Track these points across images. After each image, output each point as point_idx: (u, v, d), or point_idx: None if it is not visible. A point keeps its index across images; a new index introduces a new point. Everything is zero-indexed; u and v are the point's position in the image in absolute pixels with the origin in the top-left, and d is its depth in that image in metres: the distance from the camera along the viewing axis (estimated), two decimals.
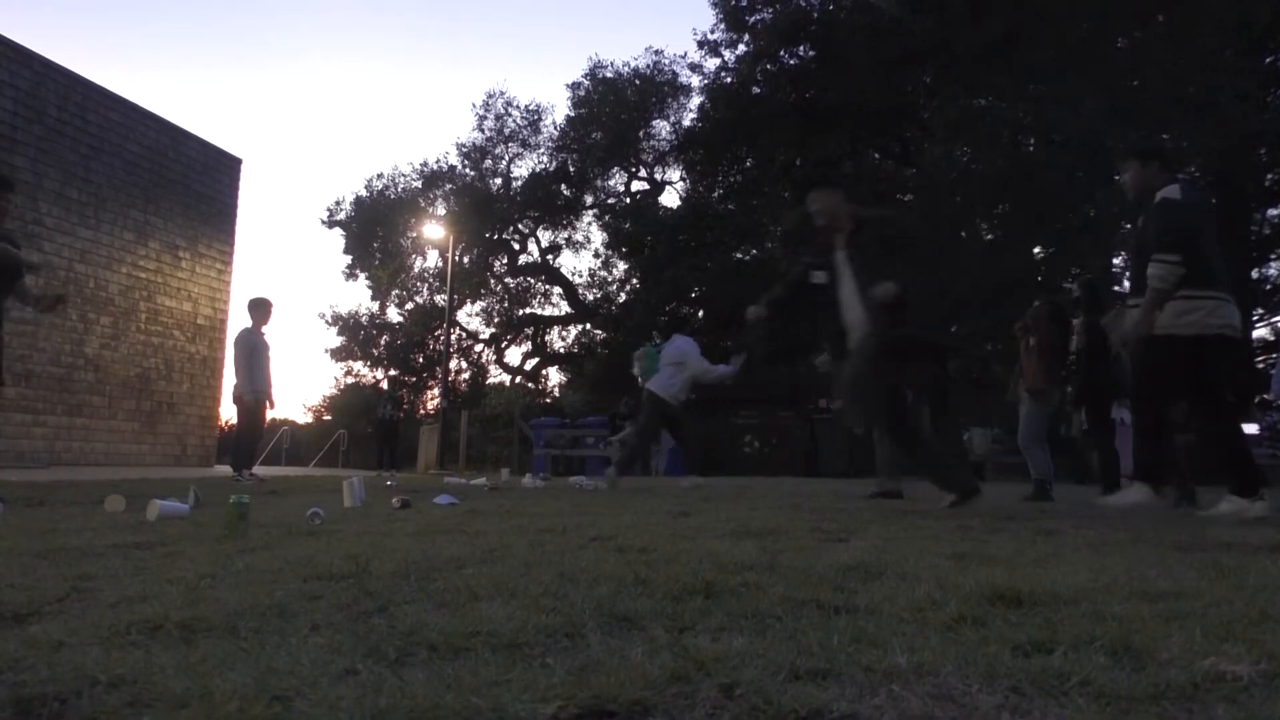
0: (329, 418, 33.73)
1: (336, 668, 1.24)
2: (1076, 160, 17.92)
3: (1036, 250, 20.15)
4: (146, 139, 15.89)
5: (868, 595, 1.77)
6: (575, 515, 4.45)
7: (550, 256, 30.23)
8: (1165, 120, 17.52)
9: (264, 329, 9.89)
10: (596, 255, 30.17)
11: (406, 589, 1.95)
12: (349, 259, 29.16)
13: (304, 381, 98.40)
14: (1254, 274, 19.48)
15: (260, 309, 9.92)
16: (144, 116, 15.93)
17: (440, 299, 27.44)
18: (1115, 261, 19.62)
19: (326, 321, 31.18)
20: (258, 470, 10.34)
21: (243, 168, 18.31)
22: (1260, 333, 20.25)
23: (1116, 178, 18.81)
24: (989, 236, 20.34)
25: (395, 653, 1.33)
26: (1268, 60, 19.14)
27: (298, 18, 65.05)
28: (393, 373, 29.17)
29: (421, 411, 29.78)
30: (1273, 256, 20.03)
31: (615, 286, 29.92)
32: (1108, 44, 18.01)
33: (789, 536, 3.29)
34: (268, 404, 9.88)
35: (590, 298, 30.04)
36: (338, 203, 29.54)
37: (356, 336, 31.00)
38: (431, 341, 29.70)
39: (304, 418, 39.21)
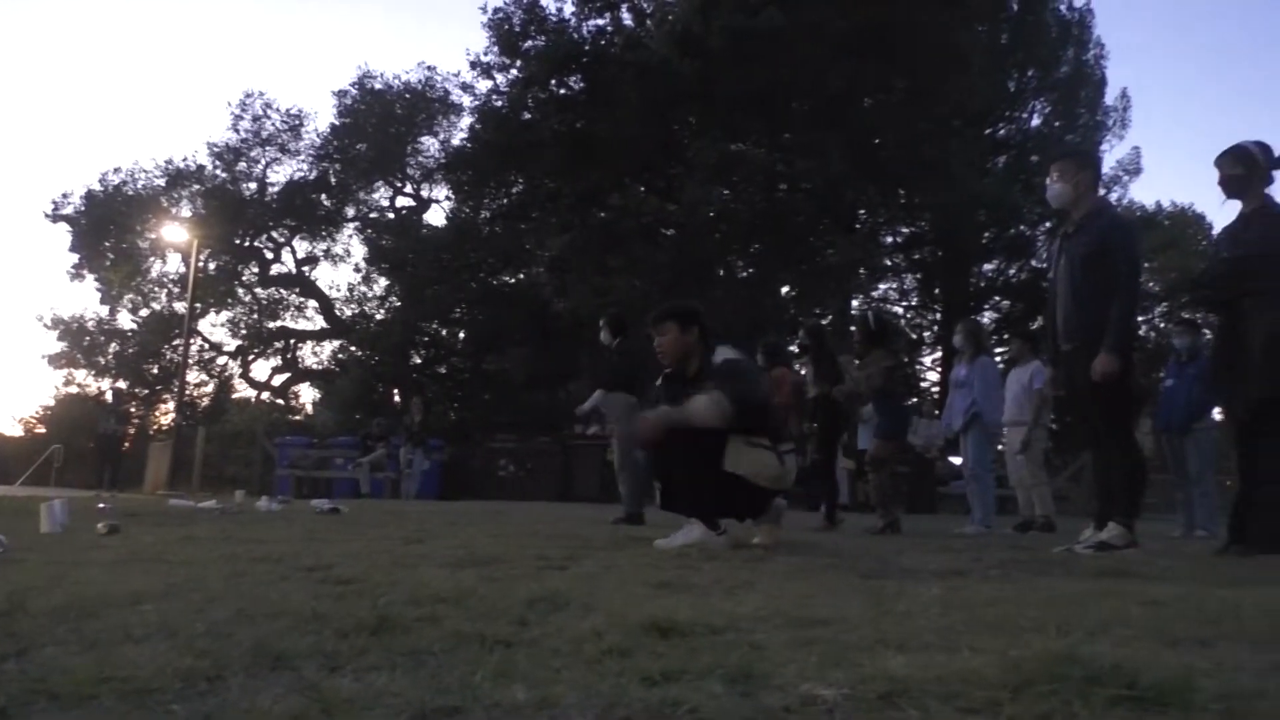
0: (43, 431, 30.64)
1: None
2: (820, 209, 19.26)
3: (785, 289, 21.38)
4: None
5: (541, 628, 1.82)
6: (302, 542, 4.28)
7: (306, 268, 29.11)
8: (902, 177, 19.20)
9: None
10: (356, 270, 29.34)
11: (60, 630, 1.82)
12: (76, 257, 26.93)
13: (14, 390, 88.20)
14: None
15: None
16: None
17: (180, 306, 25.68)
18: (854, 304, 21.18)
19: (45, 325, 28.57)
20: None
21: None
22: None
23: (857, 226, 20.36)
24: (744, 274, 21.36)
25: (7, 703, 1.24)
26: (987, 131, 21.39)
27: None
28: (121, 384, 26.95)
29: (155, 427, 27.69)
30: (985, 307, 22.17)
31: (375, 303, 29.13)
32: (855, 103, 19.49)
33: (510, 564, 3.31)
34: None
35: (348, 313, 29.09)
36: (65, 195, 27.19)
37: (80, 343, 28.61)
38: (169, 351, 27.77)
39: (13, 430, 35.28)
